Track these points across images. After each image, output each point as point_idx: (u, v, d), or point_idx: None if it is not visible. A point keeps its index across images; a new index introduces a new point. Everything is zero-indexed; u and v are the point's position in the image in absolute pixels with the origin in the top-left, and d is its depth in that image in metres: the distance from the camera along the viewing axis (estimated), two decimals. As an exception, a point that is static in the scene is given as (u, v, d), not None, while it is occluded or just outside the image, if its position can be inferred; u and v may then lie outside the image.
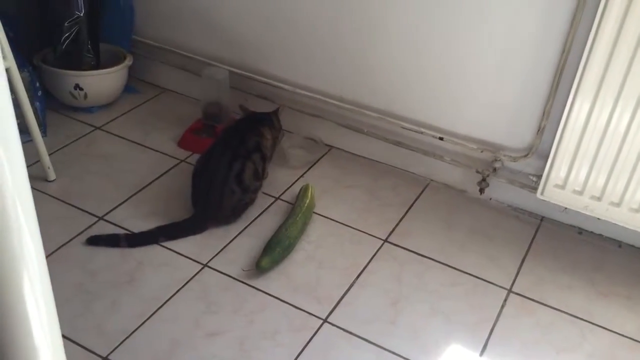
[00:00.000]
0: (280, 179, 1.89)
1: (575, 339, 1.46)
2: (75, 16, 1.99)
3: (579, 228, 1.78)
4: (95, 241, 1.60)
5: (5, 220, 0.61)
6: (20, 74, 1.69)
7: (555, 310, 1.53)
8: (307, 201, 1.73)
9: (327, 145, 2.06)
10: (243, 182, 1.66)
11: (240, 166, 1.65)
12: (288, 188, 1.86)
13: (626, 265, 1.68)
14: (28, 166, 1.93)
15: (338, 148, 2.05)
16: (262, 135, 1.75)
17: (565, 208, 1.72)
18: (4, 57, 1.59)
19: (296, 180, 1.90)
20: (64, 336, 1.37)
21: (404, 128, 1.88)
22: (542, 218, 1.81)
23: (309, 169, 1.96)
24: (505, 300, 1.55)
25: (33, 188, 1.86)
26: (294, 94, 2.01)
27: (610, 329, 1.49)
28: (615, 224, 1.61)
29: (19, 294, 0.64)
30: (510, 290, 1.58)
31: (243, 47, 2.06)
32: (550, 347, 1.44)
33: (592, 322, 1.51)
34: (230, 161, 1.65)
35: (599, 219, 1.64)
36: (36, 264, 0.66)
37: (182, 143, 2.01)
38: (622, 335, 1.48)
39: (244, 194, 1.67)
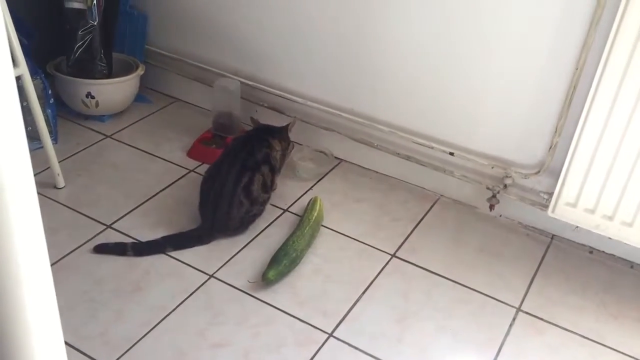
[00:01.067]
0: (289, 191, 1.88)
1: (585, 361, 1.44)
2: (89, 25, 2.01)
3: (590, 247, 1.76)
4: (102, 249, 1.60)
5: (9, 227, 0.61)
6: (33, 81, 1.70)
7: (565, 331, 1.51)
8: (315, 214, 1.72)
9: (337, 158, 2.05)
10: (251, 194, 1.65)
11: (249, 178, 1.65)
12: (296, 200, 1.85)
13: (638, 287, 1.65)
14: (38, 173, 1.95)
15: (348, 161, 2.05)
16: (272, 147, 1.75)
17: (577, 227, 1.70)
18: (17, 64, 1.60)
19: (305, 193, 1.89)
20: (68, 344, 1.37)
21: (415, 143, 1.87)
22: (553, 236, 1.79)
23: (318, 181, 1.95)
24: (514, 319, 1.53)
25: (42, 195, 1.87)
26: (305, 106, 2.01)
27: (620, 351, 1.47)
28: (628, 244, 1.59)
29: (21, 301, 0.64)
30: (519, 309, 1.55)
31: (255, 58, 2.07)
32: (560, 368, 1.41)
33: (603, 343, 1.48)
34: (239, 173, 1.64)
35: (610, 238, 1.62)
36: (40, 271, 0.65)
37: (192, 153, 2.01)
38: (633, 358, 1.45)
39: (252, 206, 1.67)
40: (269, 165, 1.71)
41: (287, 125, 1.87)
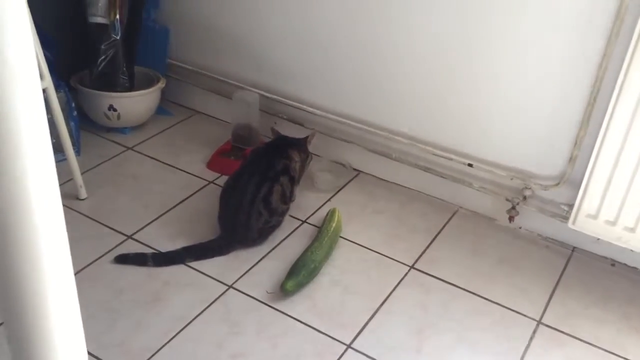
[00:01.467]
0: (307, 203, 1.89)
1: (607, 375, 1.42)
2: (112, 39, 2.04)
3: (612, 260, 1.73)
4: (123, 260, 1.62)
5: (36, 237, 0.62)
6: (57, 94, 1.73)
7: (586, 344, 1.49)
8: (334, 225, 1.73)
9: (355, 169, 2.05)
10: (270, 205, 1.66)
11: (268, 189, 1.66)
12: (315, 212, 1.86)
13: (661, 300, 1.63)
14: (61, 184, 1.97)
15: (366, 173, 2.05)
16: (291, 159, 1.76)
17: (598, 239, 1.68)
18: (42, 78, 1.63)
19: (323, 204, 1.90)
20: (89, 353, 1.38)
21: (433, 154, 1.87)
22: (574, 248, 1.78)
23: (337, 193, 1.96)
24: (535, 332, 1.51)
25: (65, 206, 1.90)
26: (324, 118, 2.02)
27: (644, 365, 1.45)
28: (650, 256, 1.57)
29: (45, 310, 0.65)
30: (539, 322, 1.54)
31: (274, 71, 2.09)
32: (581, 382, 1.40)
33: (625, 357, 1.46)
34: (259, 184, 1.66)
35: (632, 250, 1.60)
36: (64, 281, 0.66)
37: (211, 165, 2.03)
38: (657, 372, 1.43)
39: (271, 217, 1.68)
40: (288, 176, 1.72)
41: (307, 137, 1.88)
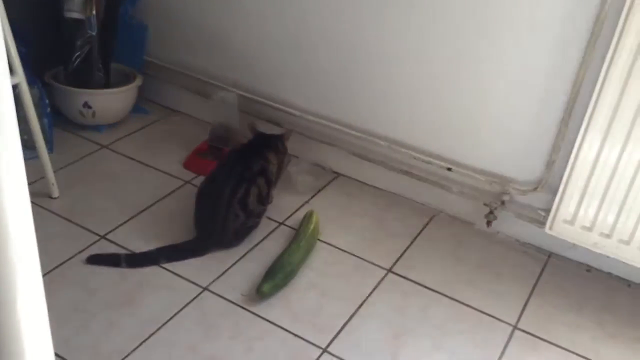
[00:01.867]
0: (285, 204, 1.87)
1: (582, 380, 1.42)
2: (88, 35, 2.01)
3: (588, 265, 1.75)
4: (96, 260, 1.58)
5: (3, 236, 0.60)
6: (30, 90, 1.69)
7: (561, 349, 1.49)
8: (312, 227, 1.71)
9: (334, 172, 2.04)
10: (247, 207, 1.64)
11: (245, 190, 1.64)
12: (293, 213, 1.84)
13: (635, 306, 1.64)
14: (33, 182, 1.93)
15: (345, 175, 2.04)
16: (268, 160, 1.74)
17: (574, 244, 1.69)
18: (14, 73, 1.59)
19: (301, 206, 1.88)
20: (59, 355, 1.35)
21: (413, 157, 1.86)
22: (550, 254, 1.78)
23: (315, 195, 1.94)
24: (510, 336, 1.51)
25: (36, 204, 1.85)
26: (303, 119, 2.01)
27: (618, 370, 1.45)
28: (625, 262, 1.58)
29: (12, 311, 0.63)
30: (515, 327, 1.54)
31: (254, 71, 2.07)
32: (556, 387, 1.40)
33: (600, 362, 1.47)
34: (235, 185, 1.63)
35: (608, 256, 1.61)
36: (32, 281, 0.64)
37: (188, 164, 2.00)
38: (631, 378, 1.44)
39: (247, 218, 1.66)
40: (265, 178, 1.70)
41: (283, 134, 1.86)
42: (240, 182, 1.64)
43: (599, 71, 1.43)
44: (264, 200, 1.71)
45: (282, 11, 1.93)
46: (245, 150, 1.78)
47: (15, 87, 1.62)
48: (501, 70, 1.66)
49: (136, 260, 1.60)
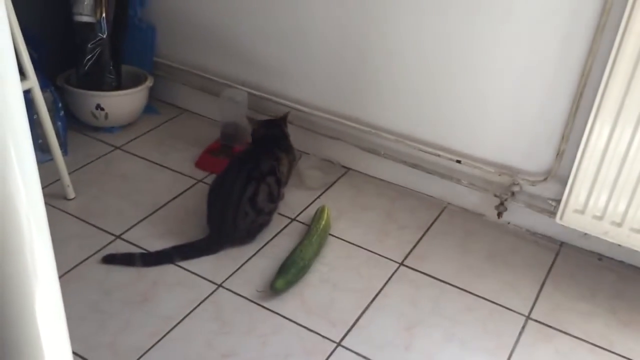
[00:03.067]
0: (296, 200, 1.88)
1: (595, 368, 1.43)
2: (98, 38, 2.03)
3: (599, 254, 1.75)
4: (111, 260, 1.61)
5: (20, 238, 0.61)
6: (43, 94, 1.72)
7: (574, 338, 1.50)
8: (323, 223, 1.73)
9: (344, 167, 2.05)
10: (257, 205, 1.66)
11: (255, 189, 1.65)
12: (304, 209, 1.86)
13: (648, 293, 1.64)
14: (48, 185, 1.96)
15: (355, 170, 2.05)
16: (278, 159, 1.76)
17: (585, 234, 1.69)
18: (27, 77, 1.62)
19: (312, 202, 1.90)
20: (78, 354, 1.38)
21: (421, 151, 1.87)
22: (562, 243, 1.79)
23: (326, 190, 1.96)
24: (523, 327, 1.52)
25: (53, 206, 1.88)
26: (312, 115, 2.02)
27: (630, 358, 1.45)
28: (637, 250, 1.58)
29: (30, 312, 0.64)
30: (528, 317, 1.55)
31: (262, 69, 2.08)
32: (569, 376, 1.40)
33: (612, 351, 1.47)
34: (245, 183, 1.65)
35: (620, 245, 1.61)
36: (48, 282, 0.66)
37: (200, 163, 2.02)
38: (644, 365, 1.44)
39: (257, 216, 1.67)
40: (275, 177, 1.72)
41: (284, 116, 1.88)
42: (249, 180, 1.66)
43: (607, 59, 1.43)
44: (275, 197, 1.73)
45: (289, 8, 1.94)
46: (255, 149, 1.80)
47: (28, 92, 1.65)
48: (509, 61, 1.66)
49: (150, 259, 1.62)
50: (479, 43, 1.68)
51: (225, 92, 2.05)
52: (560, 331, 1.51)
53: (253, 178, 1.66)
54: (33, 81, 1.64)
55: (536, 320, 1.54)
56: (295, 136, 1.94)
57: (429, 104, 1.83)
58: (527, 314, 1.55)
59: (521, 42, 1.62)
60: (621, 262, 1.72)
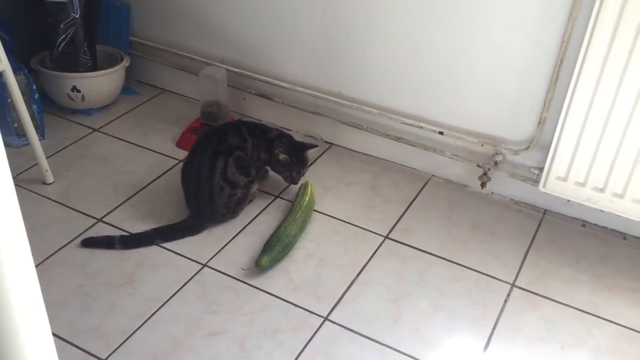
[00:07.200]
0: (279, 177, 1.87)
1: (581, 333, 1.44)
2: (71, 18, 1.99)
3: (583, 220, 1.76)
4: (90, 243, 1.59)
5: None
6: (17, 77, 1.69)
7: (559, 304, 1.51)
8: (307, 199, 1.72)
9: (326, 142, 2.04)
10: (228, 177, 1.63)
11: (224, 163, 1.63)
12: (288, 186, 1.84)
13: (631, 258, 1.66)
14: (26, 170, 1.93)
15: (338, 145, 2.04)
16: (244, 140, 1.69)
17: (568, 200, 1.70)
18: (-2, 60, 1.58)
19: (296, 178, 1.88)
20: (63, 339, 1.37)
21: (403, 123, 1.86)
22: (545, 211, 1.79)
23: (309, 166, 1.94)
24: (509, 295, 1.53)
25: (31, 191, 1.85)
26: (292, 91, 2.00)
27: (615, 322, 1.47)
28: (620, 215, 1.59)
29: (5, 297, 0.63)
30: (513, 285, 1.56)
31: (241, 46, 2.05)
32: (555, 341, 1.42)
33: (598, 315, 1.49)
34: (212, 159, 1.62)
35: (602, 210, 1.62)
36: (23, 265, 0.64)
37: (181, 143, 2.00)
38: (628, 329, 1.46)
39: (234, 190, 1.65)
40: (243, 152, 1.68)
41: (278, 133, 1.79)
42: (216, 155, 1.63)
43: (586, 25, 1.42)
44: (248, 171, 1.68)
45: (265, -18, 1.91)
46: (223, 126, 1.78)
47: (0, 75, 1.61)
48: (487, 29, 1.65)
49: (130, 241, 1.61)
50: (458, 13, 1.66)
51: (204, 70, 2.02)
52: (546, 298, 1.53)
53: (220, 152, 1.63)
54: (5, 64, 1.60)
55: (521, 288, 1.55)
56: (277, 112, 1.92)
57: (411, 77, 1.82)
58: (512, 282, 1.56)
59: (501, 11, 1.61)
60: (604, 227, 1.74)
